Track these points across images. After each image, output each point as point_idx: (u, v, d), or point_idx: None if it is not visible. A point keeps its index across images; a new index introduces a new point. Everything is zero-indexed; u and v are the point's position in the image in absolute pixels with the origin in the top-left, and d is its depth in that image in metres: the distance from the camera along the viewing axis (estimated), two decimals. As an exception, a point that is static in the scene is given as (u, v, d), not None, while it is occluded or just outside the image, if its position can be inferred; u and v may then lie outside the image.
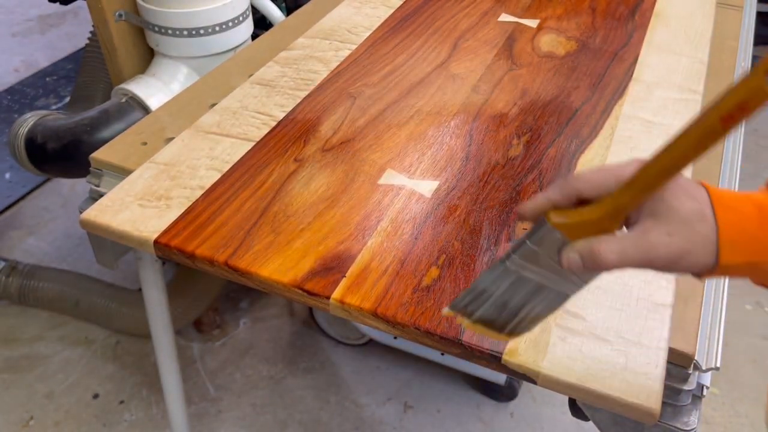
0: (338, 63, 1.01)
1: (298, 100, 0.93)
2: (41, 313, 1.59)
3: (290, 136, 0.86)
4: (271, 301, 1.64)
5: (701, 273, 0.47)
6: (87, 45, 1.47)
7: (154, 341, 0.97)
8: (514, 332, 0.53)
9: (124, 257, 0.86)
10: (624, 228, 0.48)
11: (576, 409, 0.66)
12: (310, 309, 1.57)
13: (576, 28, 1.12)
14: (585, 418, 0.66)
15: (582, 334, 0.61)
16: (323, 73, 0.99)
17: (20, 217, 1.88)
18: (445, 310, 0.53)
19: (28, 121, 1.28)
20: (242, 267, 0.67)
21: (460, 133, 0.87)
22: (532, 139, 0.87)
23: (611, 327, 0.62)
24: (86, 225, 0.73)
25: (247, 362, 1.50)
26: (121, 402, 1.42)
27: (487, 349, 0.60)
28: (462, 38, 1.08)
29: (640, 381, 0.57)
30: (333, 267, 0.67)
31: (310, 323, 1.57)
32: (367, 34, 1.09)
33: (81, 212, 0.75)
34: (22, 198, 1.93)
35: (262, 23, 1.44)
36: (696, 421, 0.62)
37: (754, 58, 0.97)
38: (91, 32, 1.42)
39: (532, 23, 1.13)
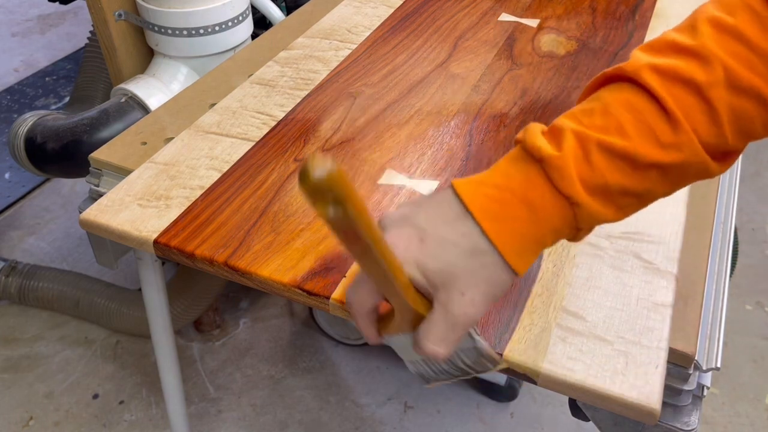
0: (338, 63, 1.01)
1: (298, 100, 0.93)
2: (41, 313, 1.59)
3: (290, 136, 0.86)
4: (271, 301, 1.63)
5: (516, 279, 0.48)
6: (87, 45, 1.47)
7: (154, 341, 0.97)
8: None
9: (124, 257, 0.86)
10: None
11: (576, 409, 0.66)
12: (310, 309, 1.57)
13: (576, 27, 1.12)
14: (585, 419, 0.66)
15: (582, 334, 0.61)
16: (323, 73, 0.99)
17: (20, 217, 1.88)
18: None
19: (27, 121, 1.28)
20: (242, 267, 0.67)
21: (460, 133, 0.87)
22: (532, 138, 0.86)
23: (611, 327, 0.62)
24: (86, 225, 0.73)
25: (247, 362, 1.50)
26: (121, 402, 1.42)
27: (487, 349, 0.60)
28: (462, 38, 1.08)
29: (641, 381, 0.57)
30: (333, 267, 0.67)
31: (310, 323, 1.57)
32: (367, 34, 1.09)
33: (81, 212, 0.75)
34: (22, 198, 1.94)
35: (262, 23, 1.44)
36: (696, 421, 0.62)
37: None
38: (90, 32, 1.42)
39: (533, 23, 1.13)
